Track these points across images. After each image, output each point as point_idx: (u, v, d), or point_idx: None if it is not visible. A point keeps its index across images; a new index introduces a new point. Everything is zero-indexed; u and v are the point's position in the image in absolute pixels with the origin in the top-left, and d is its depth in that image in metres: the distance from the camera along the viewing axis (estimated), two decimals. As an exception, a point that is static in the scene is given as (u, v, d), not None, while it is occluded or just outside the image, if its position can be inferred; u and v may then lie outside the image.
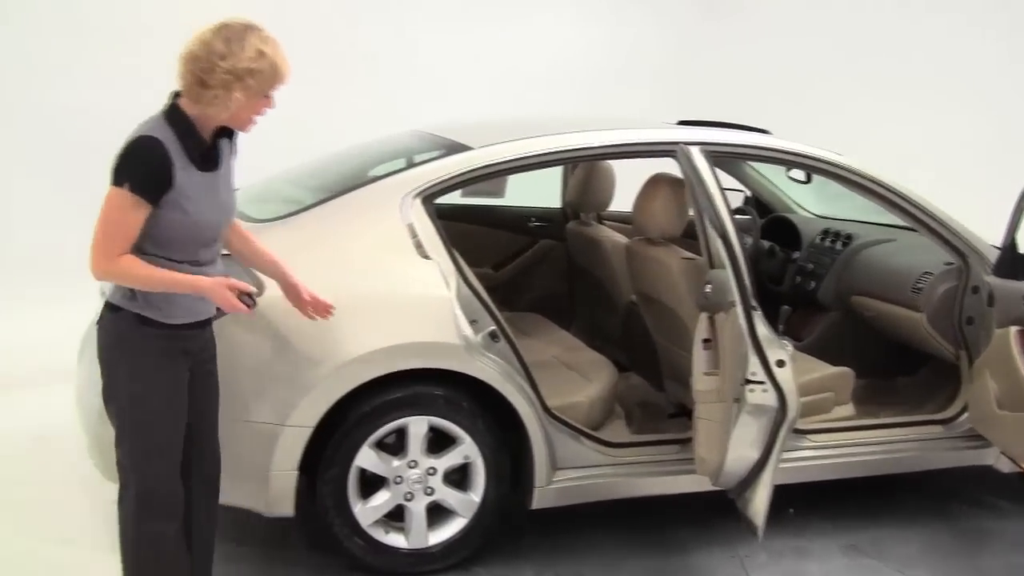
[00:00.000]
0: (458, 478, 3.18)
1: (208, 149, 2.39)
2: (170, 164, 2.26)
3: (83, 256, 2.31)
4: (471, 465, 3.15)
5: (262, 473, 2.93)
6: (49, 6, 5.79)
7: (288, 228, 3.08)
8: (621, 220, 4.52)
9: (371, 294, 2.99)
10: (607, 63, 7.37)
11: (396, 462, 3.08)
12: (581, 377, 3.58)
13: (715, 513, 3.50)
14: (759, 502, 2.94)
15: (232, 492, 2.89)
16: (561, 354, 3.85)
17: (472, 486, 3.17)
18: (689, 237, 3.63)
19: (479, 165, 3.20)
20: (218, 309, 2.44)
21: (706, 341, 3.08)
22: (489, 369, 3.07)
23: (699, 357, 3.07)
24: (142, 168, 2.25)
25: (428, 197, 3.13)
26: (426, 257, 3.06)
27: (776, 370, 2.85)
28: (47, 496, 3.72)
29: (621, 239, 4.14)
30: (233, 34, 2.28)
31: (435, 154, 3.30)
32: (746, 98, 7.66)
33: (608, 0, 7.61)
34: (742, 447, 2.96)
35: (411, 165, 3.30)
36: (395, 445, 3.10)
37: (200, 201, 2.34)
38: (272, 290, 2.77)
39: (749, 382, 2.85)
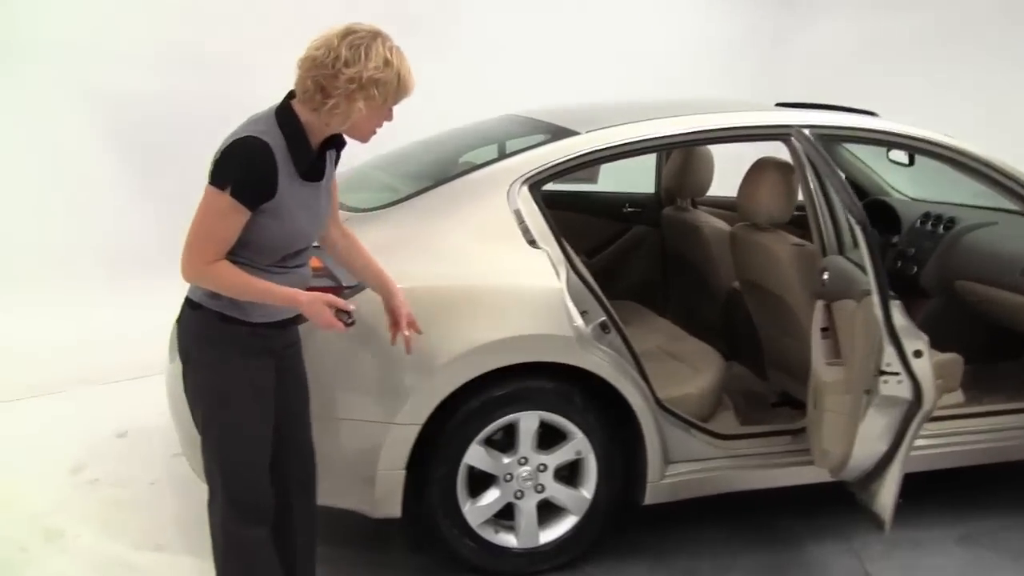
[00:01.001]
0: (567, 474, 3.07)
1: (315, 159, 2.26)
2: (275, 171, 2.14)
3: (171, 250, 2.21)
4: (582, 461, 3.04)
5: (368, 473, 2.85)
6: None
7: (391, 218, 2.97)
8: (718, 205, 4.38)
9: (481, 286, 2.88)
10: (679, 51, 7.20)
11: (506, 459, 2.98)
12: (689, 367, 3.46)
13: (824, 503, 3.40)
14: (886, 495, 2.80)
15: (335, 493, 2.84)
16: (665, 343, 3.73)
17: (583, 482, 3.06)
18: (795, 224, 3.51)
19: (588, 150, 3.08)
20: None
21: (824, 330, 2.95)
22: (602, 362, 2.95)
23: (818, 346, 2.94)
24: (247, 172, 2.12)
25: (535, 184, 3.01)
26: (535, 246, 2.95)
27: (913, 360, 2.71)
28: (136, 497, 3.64)
29: (722, 225, 4.00)
30: (360, 40, 2.13)
31: (539, 139, 3.17)
32: (823, 83, 7.50)
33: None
34: (870, 439, 2.82)
35: (512, 151, 3.16)
36: (503, 442, 3.00)
37: (298, 212, 2.21)
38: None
39: (883, 373, 2.71)
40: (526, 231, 2.95)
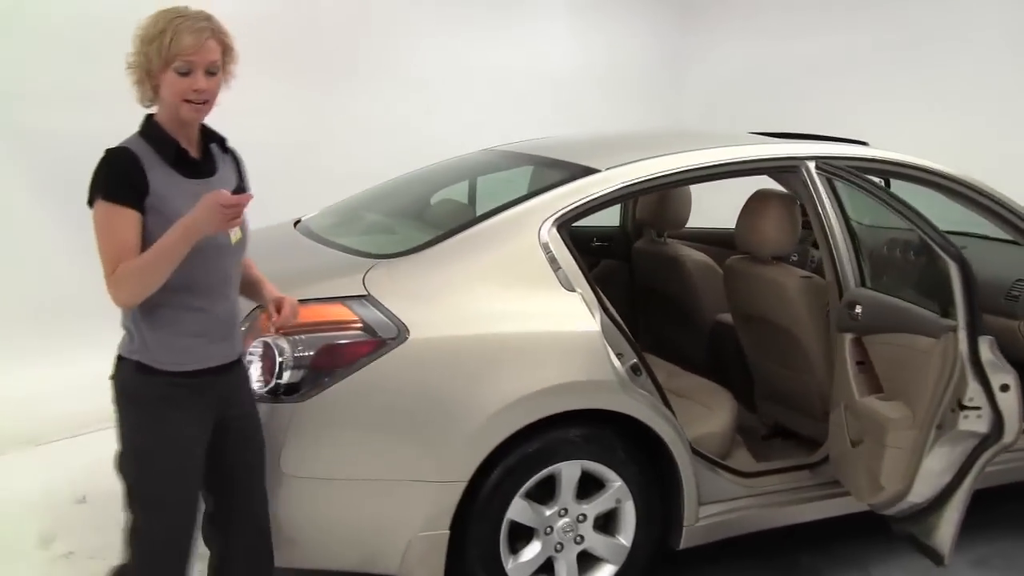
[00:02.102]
0: (602, 523, 2.97)
1: (187, 153, 2.23)
2: (140, 167, 2.13)
3: (100, 296, 2.12)
4: (619, 508, 2.95)
5: (405, 535, 2.68)
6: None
7: (422, 263, 2.81)
8: (687, 238, 4.38)
9: (523, 332, 2.76)
10: (590, 74, 7.27)
11: (548, 511, 2.86)
12: (702, 406, 3.41)
13: (838, 535, 3.41)
14: (946, 528, 2.81)
15: (359, 558, 2.71)
16: (666, 381, 3.67)
17: (620, 530, 2.97)
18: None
19: (614, 187, 3.01)
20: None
21: (860, 363, 2.96)
22: (640, 405, 2.88)
23: (855, 380, 2.94)
24: (111, 175, 2.12)
25: (563, 224, 2.92)
26: (570, 289, 2.86)
27: (999, 395, 2.70)
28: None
29: (702, 257, 4.00)
30: (142, 23, 2.16)
31: (558, 177, 3.08)
32: (729, 104, 7.70)
33: (591, 12, 7.48)
34: (933, 474, 2.81)
35: (536, 191, 3.05)
36: (537, 493, 2.87)
37: (188, 207, 2.11)
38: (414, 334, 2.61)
39: (964, 408, 2.70)
40: (561, 274, 2.85)
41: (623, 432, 2.91)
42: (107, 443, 2.94)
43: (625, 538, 2.97)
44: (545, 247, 2.86)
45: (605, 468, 2.88)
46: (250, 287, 2.48)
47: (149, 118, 2.23)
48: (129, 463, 2.26)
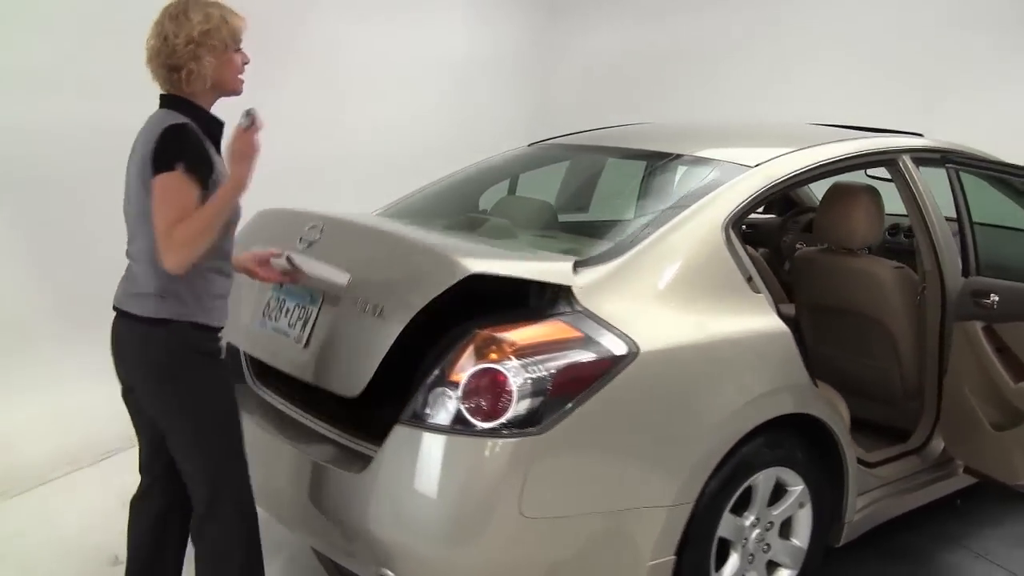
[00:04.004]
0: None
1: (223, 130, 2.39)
2: (205, 147, 2.27)
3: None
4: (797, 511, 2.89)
5: (637, 567, 2.49)
6: None
7: (615, 275, 2.58)
8: None
9: (733, 339, 2.63)
10: (451, 69, 7.03)
11: (745, 523, 2.75)
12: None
13: (930, 515, 3.51)
14: None
15: None
16: None
17: (795, 533, 2.91)
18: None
19: (770, 183, 2.92)
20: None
21: (999, 351, 3.06)
22: (822, 404, 2.84)
23: (1002, 366, 3.02)
24: (192, 148, 2.23)
25: (735, 224, 2.81)
26: (756, 291, 2.75)
27: None
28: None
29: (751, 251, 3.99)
30: (176, 10, 2.30)
31: (712, 176, 2.94)
32: (594, 96, 7.73)
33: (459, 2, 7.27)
34: None
35: (700, 190, 2.89)
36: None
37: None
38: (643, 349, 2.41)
39: None
40: (748, 276, 2.74)
41: (798, 434, 2.85)
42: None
43: (801, 540, 2.92)
44: (730, 249, 2.73)
45: (791, 472, 2.81)
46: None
47: (174, 98, 2.32)
48: (200, 423, 2.36)
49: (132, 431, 2.59)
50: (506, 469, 2.27)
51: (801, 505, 2.87)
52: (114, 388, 2.50)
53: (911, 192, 3.30)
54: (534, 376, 2.29)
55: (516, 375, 2.29)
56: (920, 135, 3.70)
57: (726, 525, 2.67)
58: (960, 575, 3.34)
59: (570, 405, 2.31)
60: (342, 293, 2.56)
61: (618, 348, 2.39)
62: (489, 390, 2.31)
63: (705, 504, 2.57)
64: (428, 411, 2.36)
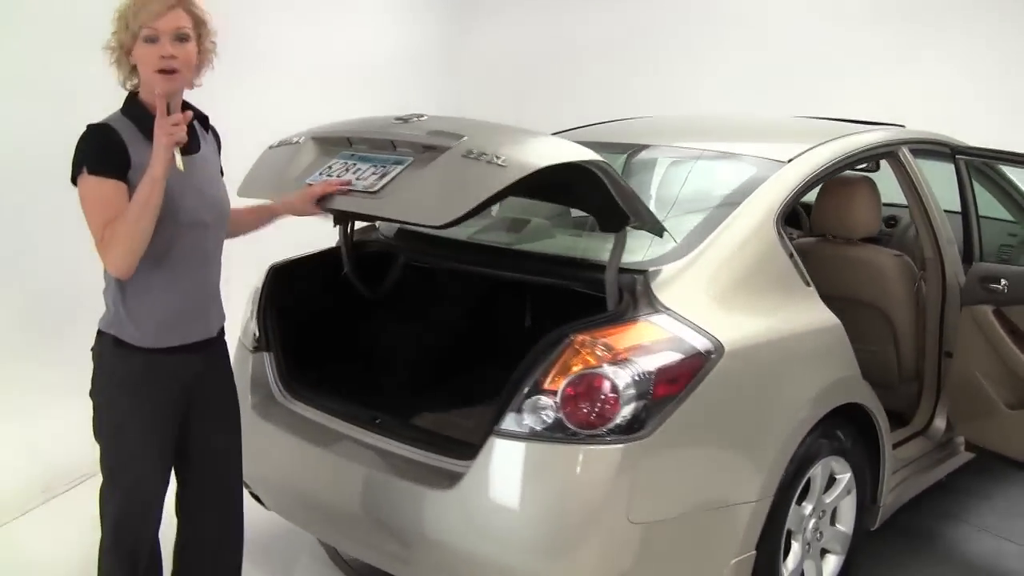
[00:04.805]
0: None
1: None
2: (120, 140, 2.15)
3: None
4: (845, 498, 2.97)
5: (722, 564, 2.49)
6: None
7: (685, 273, 2.57)
8: None
9: (799, 333, 2.68)
10: (359, 63, 6.86)
11: (804, 513, 2.79)
12: None
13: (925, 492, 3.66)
14: None
15: None
16: None
17: (841, 519, 2.98)
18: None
19: (807, 177, 2.96)
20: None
21: (1013, 332, 3.20)
22: (867, 393, 2.91)
23: (1017, 348, 3.17)
24: (93, 149, 2.14)
25: (781, 218, 2.84)
26: (807, 284, 2.80)
27: None
28: None
29: None
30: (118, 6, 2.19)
31: (751, 173, 2.96)
32: (501, 89, 7.70)
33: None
34: None
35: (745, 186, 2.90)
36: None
37: (174, 182, 2.14)
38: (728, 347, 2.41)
39: None
40: (800, 270, 2.78)
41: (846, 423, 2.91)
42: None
43: (846, 526, 2.99)
44: (782, 243, 2.76)
45: (842, 460, 2.87)
46: (258, 218, 2.58)
47: (131, 96, 2.24)
48: (99, 432, 2.26)
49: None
50: (615, 475, 2.23)
51: (848, 492, 2.94)
52: (83, 410, 2.31)
53: (911, 182, 3.42)
54: (638, 379, 2.26)
55: (620, 379, 2.25)
56: (903, 126, 3.85)
57: (793, 517, 2.71)
58: (970, 549, 3.49)
59: (671, 406, 2.29)
60: (453, 144, 2.33)
61: (705, 346, 2.38)
62: (590, 396, 2.26)
63: (779, 497, 2.60)
64: (526, 421, 2.30)
